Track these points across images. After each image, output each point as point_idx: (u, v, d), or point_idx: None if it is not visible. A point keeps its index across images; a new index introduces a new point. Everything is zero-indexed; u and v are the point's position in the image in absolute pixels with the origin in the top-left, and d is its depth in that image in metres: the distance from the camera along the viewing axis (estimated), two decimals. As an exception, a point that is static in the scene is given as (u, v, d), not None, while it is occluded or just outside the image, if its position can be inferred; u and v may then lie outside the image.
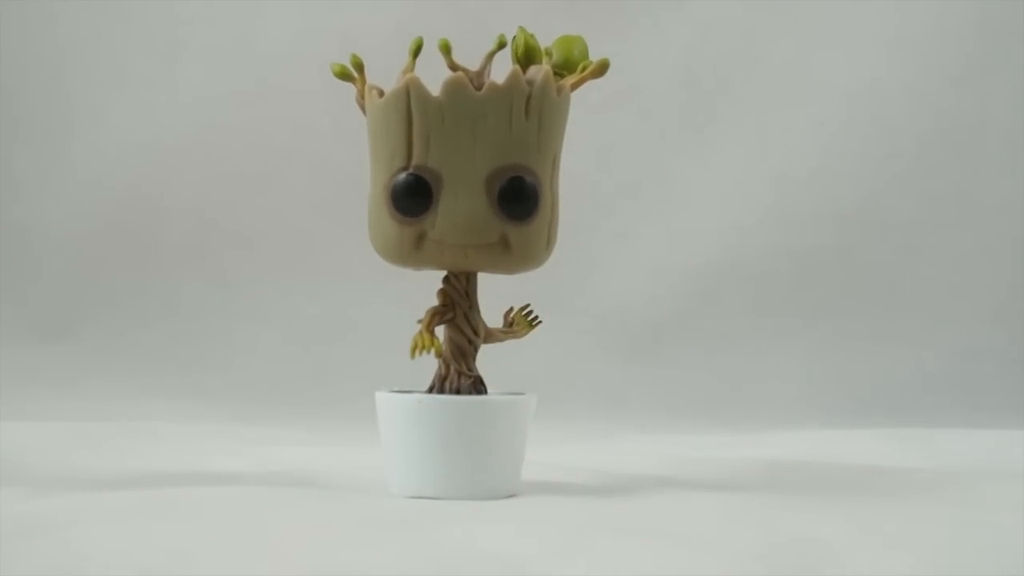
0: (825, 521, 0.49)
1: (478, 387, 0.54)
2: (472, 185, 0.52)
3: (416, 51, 0.54)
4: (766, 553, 0.43)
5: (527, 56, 0.55)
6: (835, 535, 0.46)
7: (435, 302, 0.55)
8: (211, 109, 1.13)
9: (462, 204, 0.52)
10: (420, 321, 0.53)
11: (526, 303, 0.57)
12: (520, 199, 0.52)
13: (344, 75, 0.55)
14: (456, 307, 0.54)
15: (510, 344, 0.57)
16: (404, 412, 0.53)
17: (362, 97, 0.54)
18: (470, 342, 0.55)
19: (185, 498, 0.51)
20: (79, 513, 0.47)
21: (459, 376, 0.54)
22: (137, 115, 1.14)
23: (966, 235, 1.08)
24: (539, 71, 0.53)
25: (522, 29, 0.55)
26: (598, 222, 1.09)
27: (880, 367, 1.03)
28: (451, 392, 0.54)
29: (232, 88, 1.14)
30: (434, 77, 0.53)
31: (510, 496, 0.54)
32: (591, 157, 1.09)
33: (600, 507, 0.51)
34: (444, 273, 0.55)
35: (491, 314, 0.56)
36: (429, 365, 0.54)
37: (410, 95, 0.52)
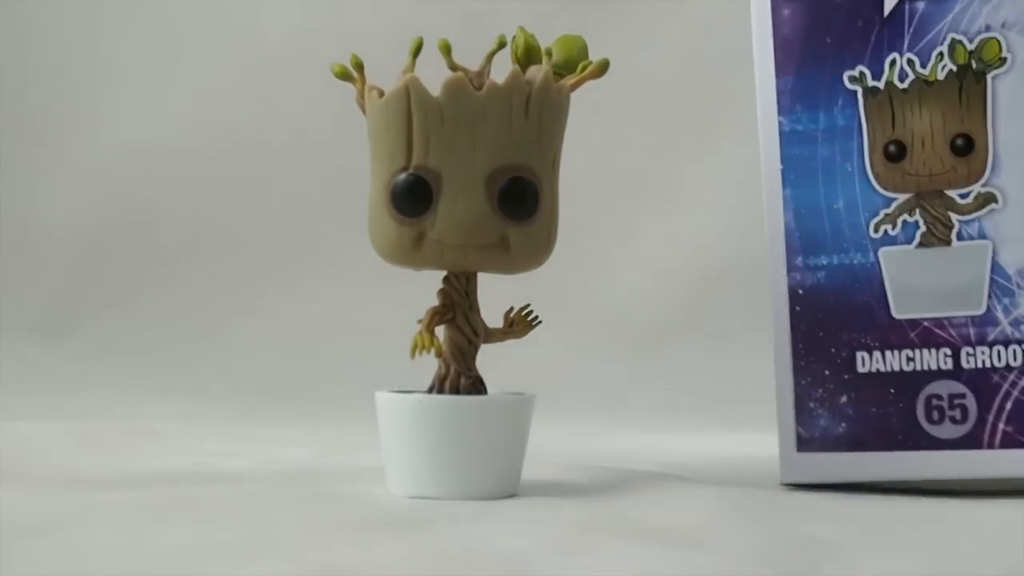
0: (825, 521, 0.49)
1: (478, 387, 0.54)
2: (472, 185, 0.52)
3: (416, 51, 0.54)
4: (766, 552, 0.43)
5: (527, 56, 0.55)
6: (835, 535, 0.46)
7: (435, 302, 0.55)
8: (211, 109, 1.13)
9: (462, 204, 0.52)
10: (420, 321, 0.53)
11: (526, 303, 0.57)
12: (520, 199, 0.52)
13: (344, 75, 0.55)
14: (456, 307, 0.54)
15: (510, 344, 0.57)
16: (404, 412, 0.53)
17: (362, 97, 0.55)
18: (470, 342, 0.55)
19: (185, 498, 0.51)
20: (79, 513, 0.47)
21: (459, 376, 0.54)
22: (137, 115, 1.14)
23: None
24: (539, 71, 0.53)
25: (522, 29, 0.55)
26: (598, 222, 1.09)
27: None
28: (451, 392, 0.54)
29: (232, 88, 1.14)
30: (434, 77, 0.53)
31: (510, 496, 0.54)
32: (591, 157, 1.09)
33: (600, 507, 0.51)
34: (444, 273, 0.55)
35: (491, 314, 0.56)
36: (429, 365, 0.54)
37: (410, 95, 0.52)
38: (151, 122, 1.12)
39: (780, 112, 0.59)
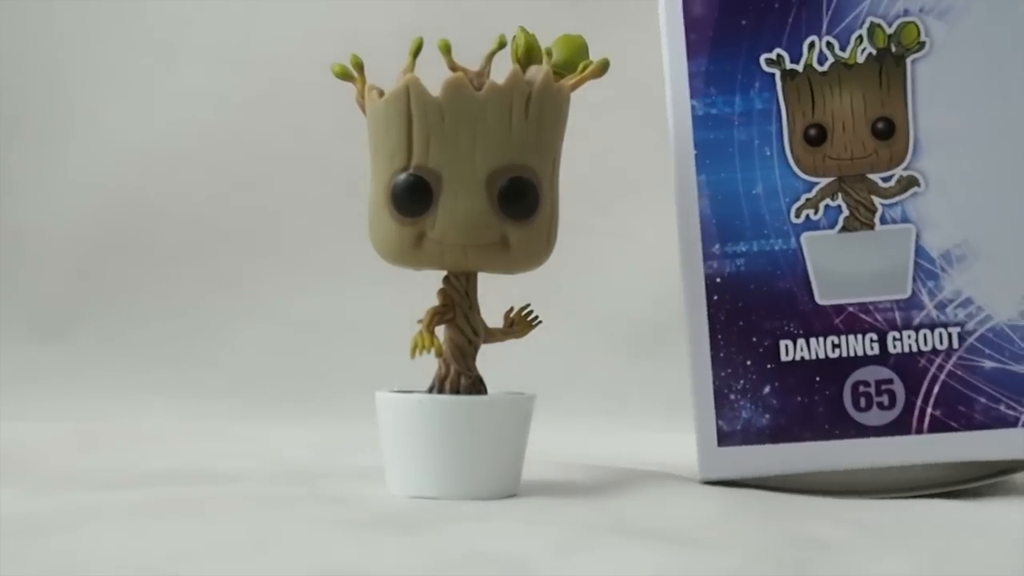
0: (825, 521, 0.49)
1: (478, 387, 0.54)
2: (472, 185, 0.52)
3: (416, 51, 0.54)
4: (767, 552, 0.43)
5: (527, 56, 0.55)
6: (835, 535, 0.46)
7: (435, 302, 0.55)
8: (211, 108, 1.13)
9: (462, 204, 0.52)
10: (420, 321, 0.53)
11: (526, 303, 0.57)
12: (520, 199, 0.53)
13: (344, 75, 0.55)
14: (456, 307, 0.54)
15: (510, 344, 0.57)
16: (404, 412, 0.53)
17: (362, 97, 0.55)
18: (470, 342, 0.55)
19: (185, 498, 0.51)
20: (79, 513, 0.47)
21: (459, 376, 0.54)
22: (136, 114, 1.14)
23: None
24: (539, 71, 0.53)
25: (522, 29, 0.55)
26: (598, 222, 1.09)
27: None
28: (451, 392, 0.54)
29: (232, 88, 1.14)
30: (434, 77, 0.53)
31: (510, 496, 0.54)
32: (591, 157, 1.09)
33: (601, 507, 0.51)
34: (444, 273, 0.55)
35: (491, 314, 0.56)
36: (429, 365, 0.54)
37: (410, 95, 0.52)
38: (151, 122, 1.12)
39: (693, 95, 0.58)
